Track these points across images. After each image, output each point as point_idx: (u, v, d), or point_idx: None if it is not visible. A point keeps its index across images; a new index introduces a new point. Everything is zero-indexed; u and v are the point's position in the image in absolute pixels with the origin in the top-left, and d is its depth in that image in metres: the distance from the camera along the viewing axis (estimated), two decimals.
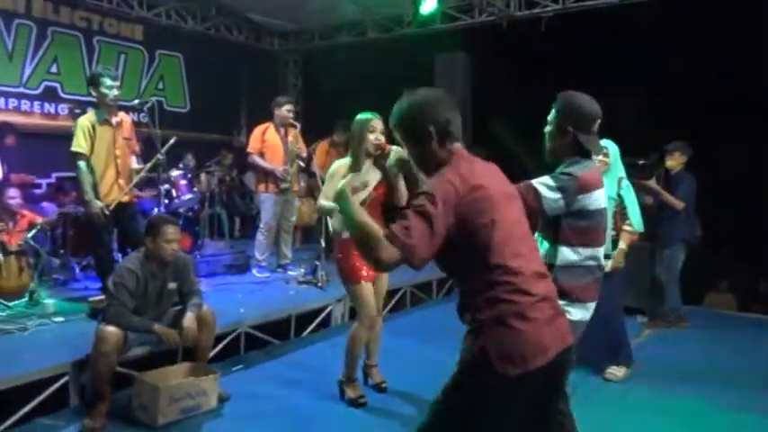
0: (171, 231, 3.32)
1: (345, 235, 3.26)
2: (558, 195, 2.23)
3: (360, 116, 3.32)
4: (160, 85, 8.08)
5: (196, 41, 8.25)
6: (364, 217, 1.66)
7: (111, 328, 3.11)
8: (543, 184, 2.26)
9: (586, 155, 2.36)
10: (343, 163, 3.34)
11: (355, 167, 3.25)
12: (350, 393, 3.49)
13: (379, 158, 3.00)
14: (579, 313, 2.32)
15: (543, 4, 6.94)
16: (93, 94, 4.17)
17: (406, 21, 7.98)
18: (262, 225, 5.76)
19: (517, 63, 7.17)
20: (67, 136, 6.83)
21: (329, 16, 8.37)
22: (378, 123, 3.26)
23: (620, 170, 3.82)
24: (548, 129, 2.41)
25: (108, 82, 4.11)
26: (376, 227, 1.63)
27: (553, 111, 2.39)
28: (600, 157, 3.45)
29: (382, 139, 3.23)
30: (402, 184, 3.21)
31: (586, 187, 2.26)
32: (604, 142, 3.86)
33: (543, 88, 7.11)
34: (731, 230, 6.18)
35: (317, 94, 8.88)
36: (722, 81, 6.21)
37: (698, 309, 5.92)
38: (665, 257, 5.43)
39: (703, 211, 5.42)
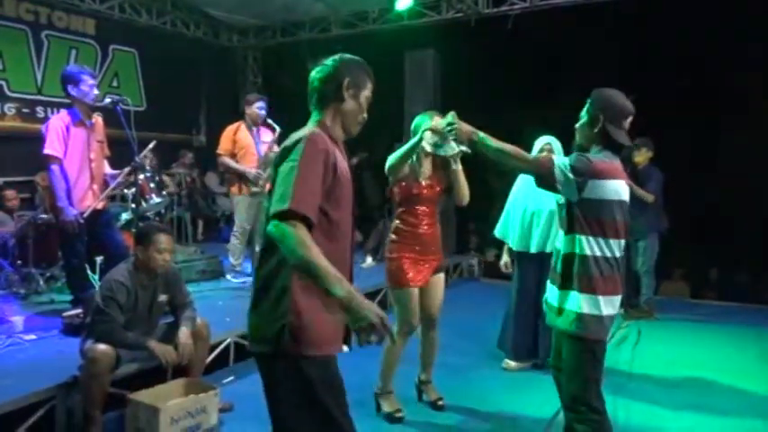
0: (164, 240, 3.11)
1: (395, 236, 3.25)
2: (572, 176, 2.24)
3: (419, 117, 3.19)
4: (114, 83, 7.63)
5: (151, 36, 7.88)
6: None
7: (103, 347, 2.89)
8: (561, 162, 2.28)
9: (614, 149, 2.34)
10: None
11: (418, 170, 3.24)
12: (386, 407, 3.28)
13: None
14: (607, 308, 2.29)
15: (510, 2, 7.00)
16: (72, 93, 3.84)
17: (371, 17, 7.88)
18: (235, 228, 5.53)
19: (486, 60, 7.20)
20: (15, 137, 6.51)
21: (291, 12, 8.16)
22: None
23: None
24: (579, 123, 2.40)
25: (90, 80, 3.81)
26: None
27: (587, 104, 2.38)
28: (544, 154, 3.49)
29: None
30: (463, 180, 3.17)
31: (601, 174, 2.25)
32: (548, 138, 3.91)
33: (511, 85, 7.19)
34: (686, 220, 6.41)
35: (277, 92, 8.62)
36: (675, 74, 6.46)
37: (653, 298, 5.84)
38: (640, 249, 5.61)
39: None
